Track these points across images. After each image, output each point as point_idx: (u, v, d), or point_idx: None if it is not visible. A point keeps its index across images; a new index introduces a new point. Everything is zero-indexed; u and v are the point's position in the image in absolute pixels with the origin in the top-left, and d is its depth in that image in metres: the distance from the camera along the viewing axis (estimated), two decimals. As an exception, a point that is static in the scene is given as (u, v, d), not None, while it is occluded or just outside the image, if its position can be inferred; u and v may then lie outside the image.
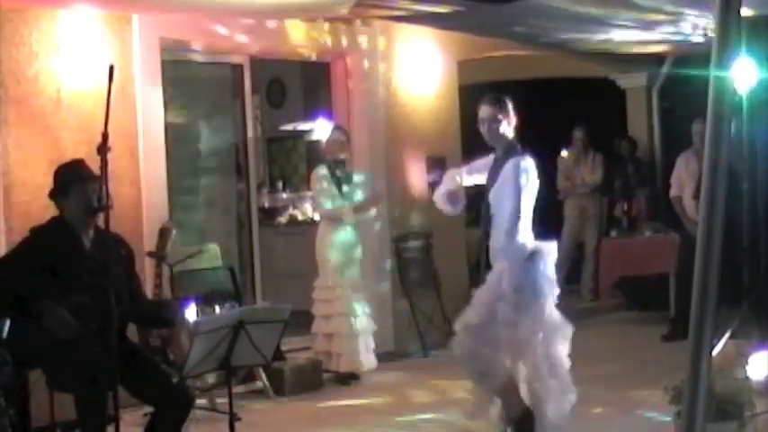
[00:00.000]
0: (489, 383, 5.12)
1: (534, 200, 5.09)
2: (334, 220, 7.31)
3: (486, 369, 5.07)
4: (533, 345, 5.02)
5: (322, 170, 7.39)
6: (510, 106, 5.22)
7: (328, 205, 7.33)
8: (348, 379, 7.29)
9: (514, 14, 7.43)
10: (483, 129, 5.21)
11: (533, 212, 5.10)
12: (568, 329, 5.09)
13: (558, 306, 5.09)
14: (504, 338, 5.02)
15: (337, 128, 7.73)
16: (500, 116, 5.15)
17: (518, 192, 5.00)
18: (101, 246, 4.56)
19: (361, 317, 7.31)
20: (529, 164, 5.08)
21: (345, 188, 7.35)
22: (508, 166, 5.08)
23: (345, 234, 7.32)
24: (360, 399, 6.87)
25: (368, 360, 7.37)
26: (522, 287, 4.98)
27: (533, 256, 5.02)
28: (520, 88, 10.61)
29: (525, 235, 5.04)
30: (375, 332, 7.53)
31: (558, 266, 8.18)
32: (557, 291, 5.10)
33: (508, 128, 5.17)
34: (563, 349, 5.07)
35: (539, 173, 5.11)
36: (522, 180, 5.01)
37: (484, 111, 5.19)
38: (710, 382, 2.67)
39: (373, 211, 7.66)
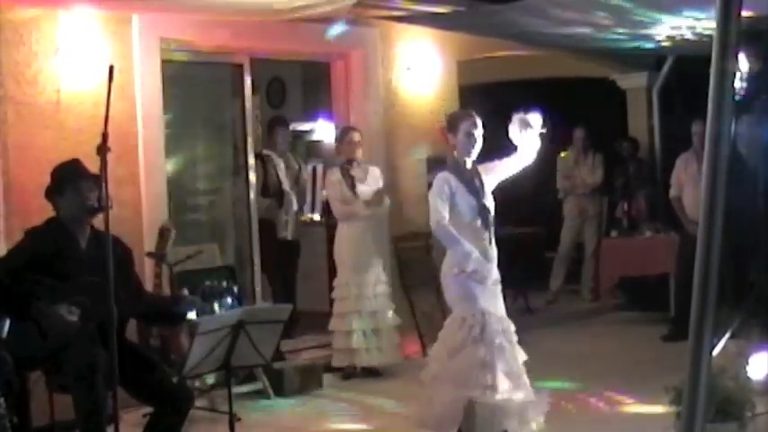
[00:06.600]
0: None
1: None
2: (350, 218, 7.39)
3: None
4: None
5: (334, 175, 7.49)
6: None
7: (341, 206, 7.44)
8: (371, 374, 7.46)
9: (514, 14, 7.42)
10: (475, 140, 5.45)
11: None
12: None
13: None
14: None
15: (351, 128, 7.75)
16: None
17: None
18: (97, 245, 4.55)
19: (381, 312, 7.44)
20: None
21: (360, 187, 7.40)
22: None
23: (359, 232, 7.41)
24: (359, 399, 6.87)
25: (389, 355, 7.51)
26: None
27: None
28: (520, 88, 10.62)
29: None
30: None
31: (559, 265, 8.14)
32: None
33: None
34: None
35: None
36: None
37: (478, 125, 5.46)
38: (711, 383, 2.66)
39: (387, 203, 7.65)
